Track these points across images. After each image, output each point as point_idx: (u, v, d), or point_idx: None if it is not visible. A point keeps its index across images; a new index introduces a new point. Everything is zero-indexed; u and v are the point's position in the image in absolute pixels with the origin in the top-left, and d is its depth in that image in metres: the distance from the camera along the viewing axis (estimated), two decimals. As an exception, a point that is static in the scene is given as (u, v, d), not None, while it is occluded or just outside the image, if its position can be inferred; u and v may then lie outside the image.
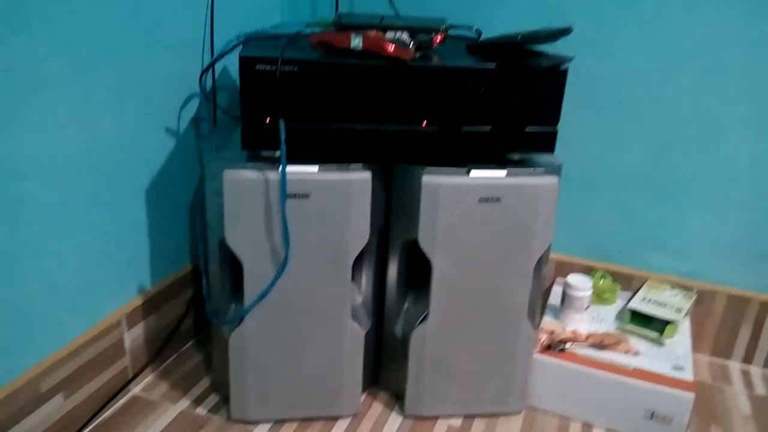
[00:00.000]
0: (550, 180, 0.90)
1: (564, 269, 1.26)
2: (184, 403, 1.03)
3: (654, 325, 1.08)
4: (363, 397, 1.06)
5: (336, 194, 0.87)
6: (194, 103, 1.10)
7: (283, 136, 0.83)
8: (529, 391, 1.03)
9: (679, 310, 1.10)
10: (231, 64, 1.19)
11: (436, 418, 1.02)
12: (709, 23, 1.06)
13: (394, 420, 1.01)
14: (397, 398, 1.05)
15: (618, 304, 1.18)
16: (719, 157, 1.13)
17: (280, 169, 0.84)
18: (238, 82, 1.22)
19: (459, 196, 0.88)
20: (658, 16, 1.08)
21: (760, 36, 1.04)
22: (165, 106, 1.04)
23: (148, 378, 1.08)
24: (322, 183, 0.86)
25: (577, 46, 1.09)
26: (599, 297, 1.17)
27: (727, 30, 1.06)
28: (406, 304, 1.03)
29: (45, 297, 0.87)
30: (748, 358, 1.20)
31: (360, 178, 0.87)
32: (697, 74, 1.09)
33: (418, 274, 0.99)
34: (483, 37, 1.11)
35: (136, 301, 1.04)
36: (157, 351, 1.10)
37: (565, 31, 0.85)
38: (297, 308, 0.92)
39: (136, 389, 1.05)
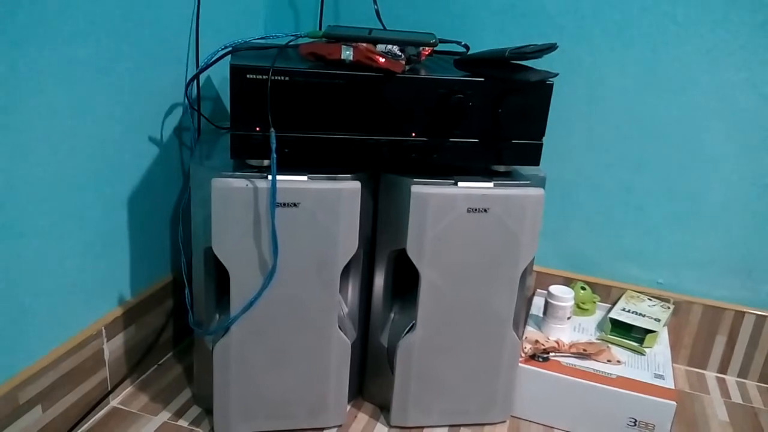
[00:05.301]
0: (537, 191, 0.92)
1: (544, 281, 1.27)
2: (165, 415, 1.01)
3: (634, 334, 1.10)
4: (348, 408, 1.05)
5: (325, 204, 0.87)
6: (177, 113, 1.09)
7: (274, 145, 0.82)
8: (514, 401, 1.04)
9: (658, 320, 1.12)
10: (215, 74, 1.19)
11: (421, 429, 1.02)
12: (687, 45, 1.10)
13: (380, 431, 1.01)
14: (382, 409, 1.05)
15: (598, 314, 1.20)
16: (694, 174, 1.16)
17: (271, 177, 0.84)
18: (221, 92, 1.22)
19: (448, 206, 0.89)
20: (640, 38, 1.12)
21: (736, 59, 1.08)
22: (148, 116, 1.02)
23: (127, 389, 1.06)
24: (311, 192, 0.86)
25: (559, 65, 1.12)
26: (579, 307, 1.19)
27: (704, 53, 1.09)
28: (392, 315, 1.03)
29: (23, 307, 0.85)
30: (723, 368, 1.23)
31: (349, 187, 0.87)
32: (674, 94, 1.13)
33: (403, 284, 1.00)
34: (470, 52, 1.13)
35: (116, 311, 1.02)
36: (137, 362, 1.08)
37: (550, 48, 0.87)
38: (283, 318, 0.91)
39: (115, 401, 1.03)
